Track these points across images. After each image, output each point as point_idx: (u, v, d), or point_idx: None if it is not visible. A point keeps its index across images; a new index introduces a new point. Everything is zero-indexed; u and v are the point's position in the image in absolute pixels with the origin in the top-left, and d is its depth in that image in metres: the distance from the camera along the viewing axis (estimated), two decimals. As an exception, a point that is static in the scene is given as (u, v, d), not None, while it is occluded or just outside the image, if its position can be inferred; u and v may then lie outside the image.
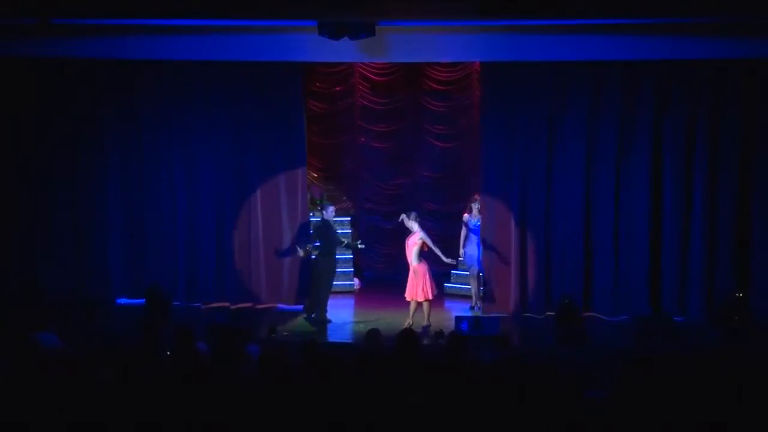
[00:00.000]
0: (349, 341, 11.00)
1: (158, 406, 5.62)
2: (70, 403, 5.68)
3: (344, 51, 10.99)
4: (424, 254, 11.38)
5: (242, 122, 12.47)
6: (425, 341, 10.55)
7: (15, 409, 5.64)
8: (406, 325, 10.98)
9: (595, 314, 12.11)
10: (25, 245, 12.60)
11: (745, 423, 5.40)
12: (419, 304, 11.31)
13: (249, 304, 12.55)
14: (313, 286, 11.77)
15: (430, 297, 11.29)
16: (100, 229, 12.70)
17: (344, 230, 13.47)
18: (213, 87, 12.40)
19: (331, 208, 11.81)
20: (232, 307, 12.50)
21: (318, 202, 13.50)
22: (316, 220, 11.97)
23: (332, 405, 5.64)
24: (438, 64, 13.27)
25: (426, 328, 11.21)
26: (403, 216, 11.54)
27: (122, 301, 12.63)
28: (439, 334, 10.54)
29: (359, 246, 12.11)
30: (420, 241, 11.27)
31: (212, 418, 5.55)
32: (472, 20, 10.60)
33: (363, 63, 13.28)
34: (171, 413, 5.57)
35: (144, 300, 11.40)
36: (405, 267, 11.77)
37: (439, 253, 11.43)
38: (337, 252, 11.98)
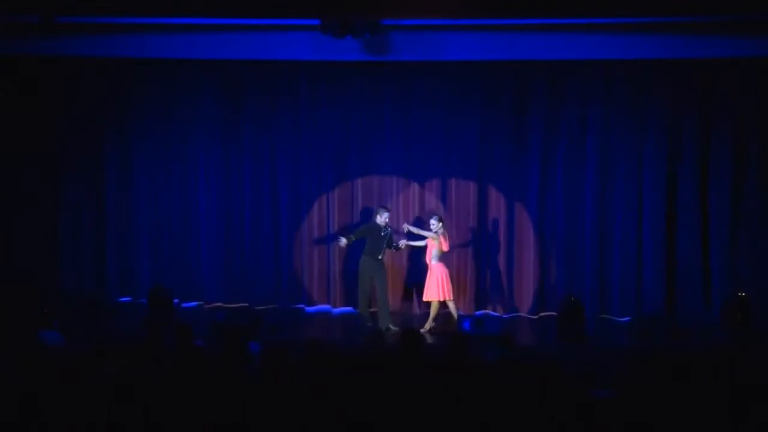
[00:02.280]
0: (354, 340, 11.00)
1: (159, 404, 5.62)
2: (72, 401, 5.68)
3: (347, 50, 10.98)
4: (444, 256, 11.26)
5: (346, 122, 12.41)
6: (429, 340, 10.54)
7: (17, 407, 5.64)
8: (427, 327, 10.92)
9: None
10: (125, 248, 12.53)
11: (746, 422, 5.39)
12: (441, 304, 11.14)
13: (350, 308, 12.31)
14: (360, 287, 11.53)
15: (447, 297, 11.17)
16: (194, 232, 12.54)
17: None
18: (319, 87, 12.35)
19: (386, 215, 11.42)
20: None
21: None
22: (369, 223, 11.72)
23: (335, 403, 5.64)
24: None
25: (429, 328, 11.17)
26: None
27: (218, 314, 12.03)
28: (442, 333, 10.52)
29: (400, 247, 11.67)
30: (437, 241, 11.11)
31: (213, 416, 5.55)
32: (476, 18, 10.58)
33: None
34: (172, 410, 5.57)
35: (148, 300, 11.33)
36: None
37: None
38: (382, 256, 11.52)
